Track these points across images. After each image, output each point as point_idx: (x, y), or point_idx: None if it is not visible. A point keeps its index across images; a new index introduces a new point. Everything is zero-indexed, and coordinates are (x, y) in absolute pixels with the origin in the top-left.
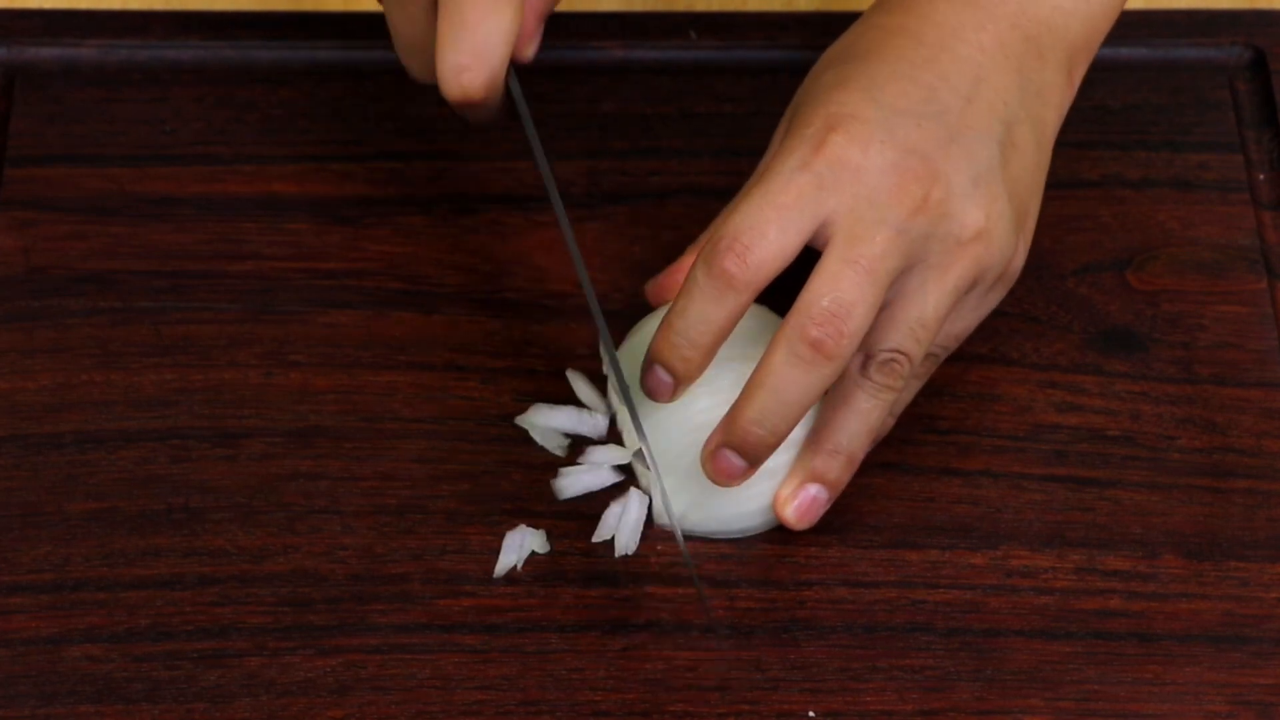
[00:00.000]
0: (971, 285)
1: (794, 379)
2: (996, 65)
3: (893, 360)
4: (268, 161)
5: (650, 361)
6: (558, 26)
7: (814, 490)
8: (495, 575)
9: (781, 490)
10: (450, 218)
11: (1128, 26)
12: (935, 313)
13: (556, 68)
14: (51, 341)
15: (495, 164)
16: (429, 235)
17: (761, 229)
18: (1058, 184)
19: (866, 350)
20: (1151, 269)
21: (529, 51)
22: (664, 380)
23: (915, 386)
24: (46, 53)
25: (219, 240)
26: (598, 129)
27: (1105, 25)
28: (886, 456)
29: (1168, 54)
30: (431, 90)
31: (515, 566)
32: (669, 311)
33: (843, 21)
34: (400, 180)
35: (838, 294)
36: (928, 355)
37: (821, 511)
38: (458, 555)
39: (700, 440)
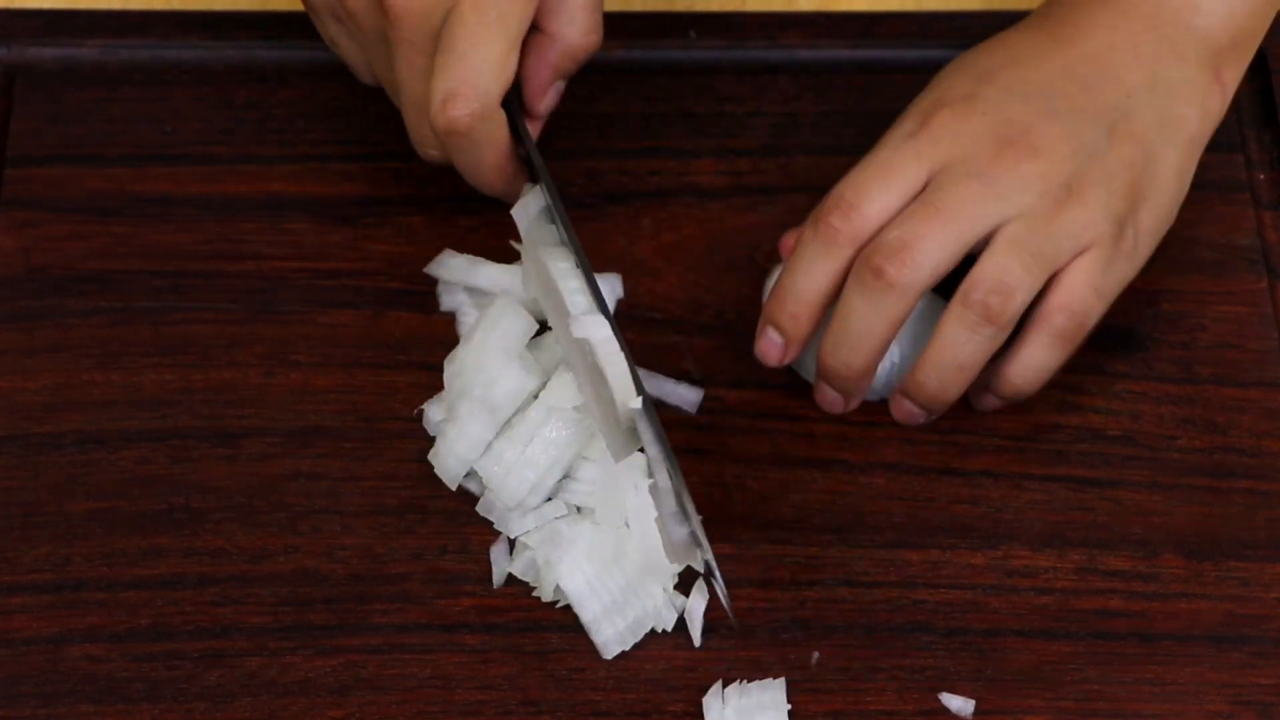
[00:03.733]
0: (1078, 241)
1: (860, 311)
2: (1125, 62)
3: (995, 290)
4: (268, 161)
5: (763, 324)
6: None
7: (911, 407)
8: (494, 586)
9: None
10: (450, 218)
11: None
12: (1038, 246)
13: None
14: (51, 341)
15: None
16: (429, 235)
17: (867, 188)
18: None
19: (970, 282)
20: (1151, 269)
21: (541, 106)
22: (775, 341)
23: (1053, 350)
24: (46, 53)
25: (219, 240)
26: (598, 129)
27: (1254, 25)
28: (886, 456)
29: None
30: None
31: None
32: (782, 273)
33: (843, 21)
34: (400, 180)
35: (905, 229)
36: (1071, 316)
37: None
38: (458, 555)
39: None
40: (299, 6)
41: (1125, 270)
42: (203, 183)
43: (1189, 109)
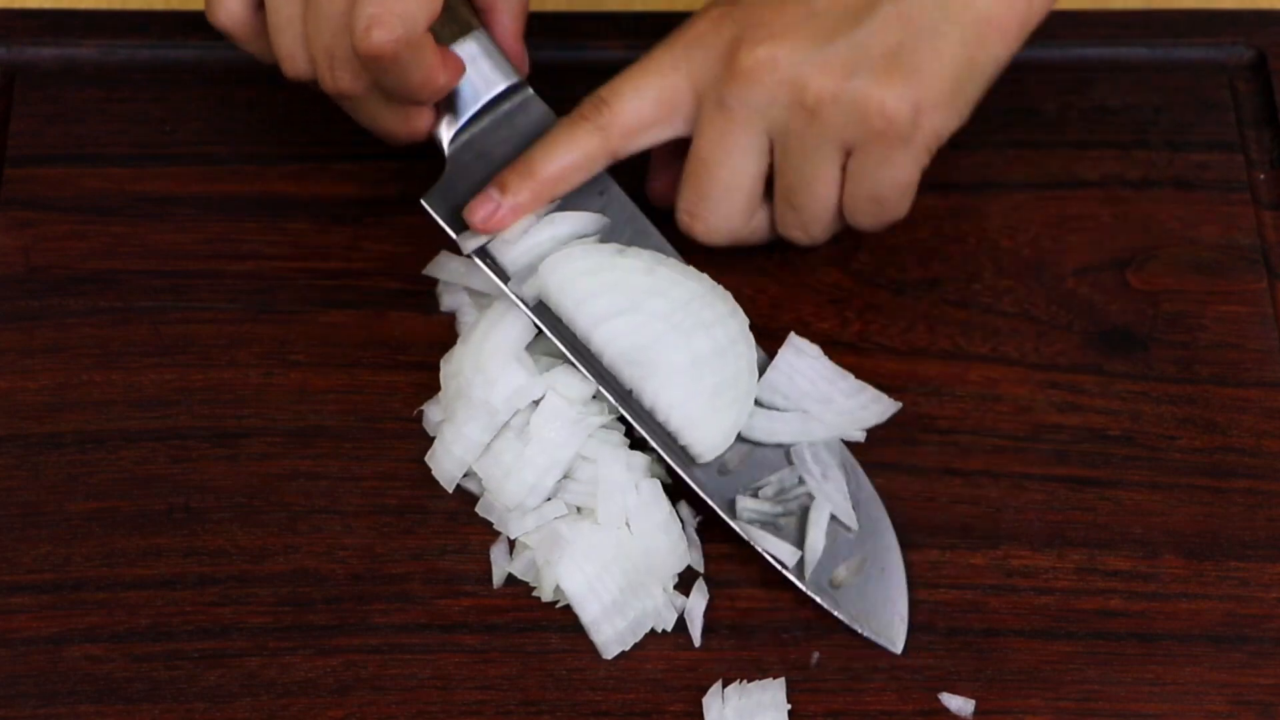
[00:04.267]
0: (782, 69)
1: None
2: None
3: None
4: (268, 161)
5: (487, 188)
6: (558, 26)
7: (495, 195)
8: (495, 586)
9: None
10: None
11: (1128, 26)
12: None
13: (557, 68)
14: (51, 341)
15: None
16: (429, 235)
17: (622, 89)
18: (1058, 184)
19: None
20: (1151, 269)
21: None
22: (493, 198)
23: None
24: (46, 53)
25: (219, 240)
26: None
27: None
28: (886, 456)
29: (1168, 54)
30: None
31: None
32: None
33: None
34: (400, 180)
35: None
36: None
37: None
38: (458, 555)
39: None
40: None
41: (904, 160)
42: (203, 183)
43: None
